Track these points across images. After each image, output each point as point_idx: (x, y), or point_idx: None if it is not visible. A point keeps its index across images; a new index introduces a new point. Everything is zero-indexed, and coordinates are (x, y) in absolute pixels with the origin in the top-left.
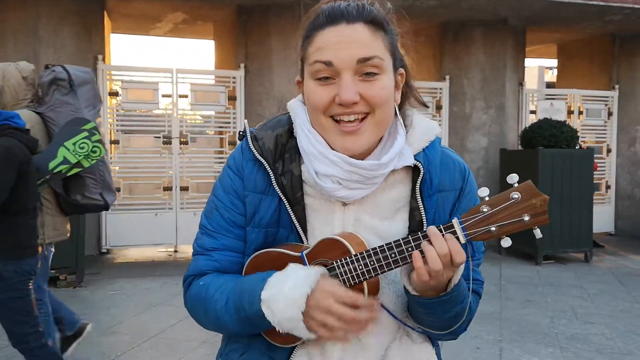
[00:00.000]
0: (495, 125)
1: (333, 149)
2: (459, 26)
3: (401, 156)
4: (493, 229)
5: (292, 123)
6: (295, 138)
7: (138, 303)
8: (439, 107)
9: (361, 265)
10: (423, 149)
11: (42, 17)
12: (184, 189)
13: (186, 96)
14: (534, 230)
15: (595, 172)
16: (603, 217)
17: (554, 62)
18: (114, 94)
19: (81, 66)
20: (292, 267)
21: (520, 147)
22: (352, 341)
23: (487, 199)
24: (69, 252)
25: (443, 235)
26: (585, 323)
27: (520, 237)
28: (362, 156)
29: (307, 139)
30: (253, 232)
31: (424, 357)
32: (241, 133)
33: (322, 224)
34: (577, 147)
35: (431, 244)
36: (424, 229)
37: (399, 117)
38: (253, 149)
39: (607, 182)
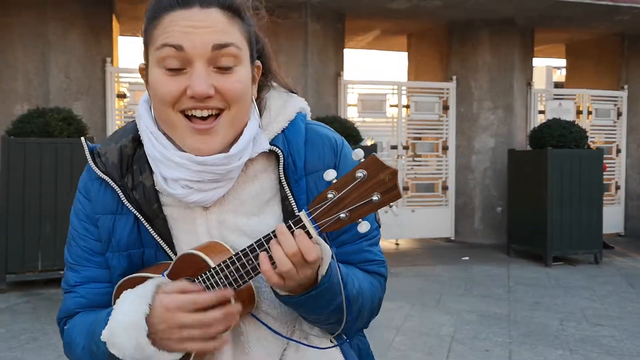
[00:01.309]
0: (503, 125)
1: (182, 150)
2: (466, 27)
3: (255, 143)
4: (343, 215)
5: (139, 131)
6: (144, 147)
7: None
8: (445, 108)
9: (222, 277)
10: (282, 131)
11: (50, 20)
12: None
13: None
14: (391, 209)
15: (604, 173)
16: (613, 218)
17: (562, 62)
18: (121, 96)
19: (89, 68)
20: (125, 293)
21: (528, 148)
22: (241, 352)
23: (334, 181)
24: None
25: (292, 231)
26: (595, 325)
27: (529, 238)
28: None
29: (150, 142)
30: (114, 258)
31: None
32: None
33: (186, 234)
34: (585, 148)
35: (279, 244)
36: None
37: (254, 104)
38: (94, 167)
39: (616, 182)
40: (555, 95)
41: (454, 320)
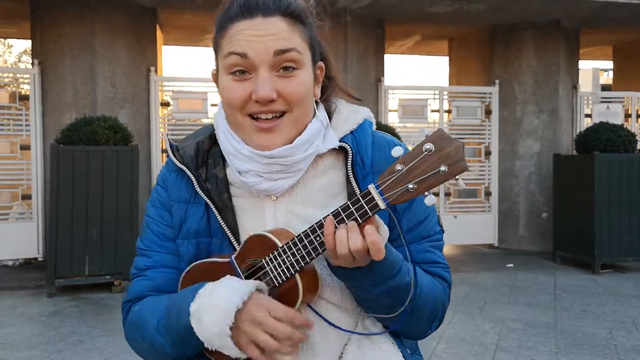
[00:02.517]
0: (548, 129)
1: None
2: (509, 29)
3: (325, 140)
4: (411, 186)
5: (215, 130)
6: (219, 144)
7: None
8: (488, 112)
9: (288, 255)
10: (351, 132)
11: (97, 31)
12: None
13: None
14: (457, 181)
15: None
16: None
17: (609, 64)
18: (165, 104)
19: (134, 77)
20: (227, 278)
21: (574, 152)
22: (302, 346)
23: (401, 156)
24: (123, 259)
25: (360, 204)
26: None
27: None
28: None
29: (225, 137)
30: (183, 244)
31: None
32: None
33: (253, 222)
34: (636, 151)
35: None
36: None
37: (320, 104)
38: (173, 158)
39: None
40: (602, 98)
41: (498, 329)
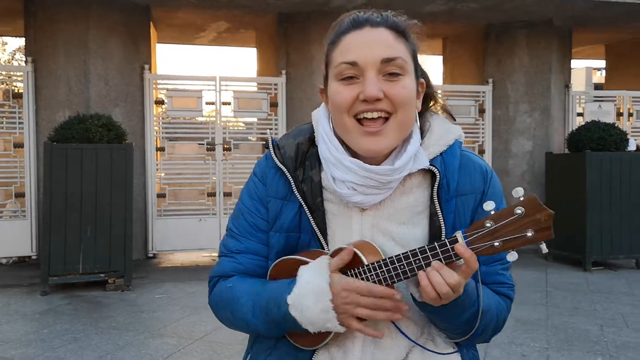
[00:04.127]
0: (540, 128)
1: (355, 153)
2: (502, 28)
3: (416, 160)
4: (497, 244)
5: (314, 132)
6: (317, 146)
7: (183, 306)
8: (481, 111)
9: (372, 275)
10: (441, 154)
11: (92, 28)
12: (228, 194)
13: (229, 103)
14: (540, 245)
15: None
16: None
17: (602, 63)
18: (159, 102)
19: (128, 75)
20: (303, 268)
21: (566, 151)
22: (372, 341)
23: (492, 213)
24: (117, 257)
25: (446, 248)
26: (636, 331)
27: (567, 243)
28: (377, 161)
29: (326, 145)
30: (275, 236)
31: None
32: (266, 142)
33: (341, 229)
34: (634, 149)
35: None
36: (442, 236)
37: (417, 123)
38: (274, 157)
39: None
40: (594, 97)
41: None
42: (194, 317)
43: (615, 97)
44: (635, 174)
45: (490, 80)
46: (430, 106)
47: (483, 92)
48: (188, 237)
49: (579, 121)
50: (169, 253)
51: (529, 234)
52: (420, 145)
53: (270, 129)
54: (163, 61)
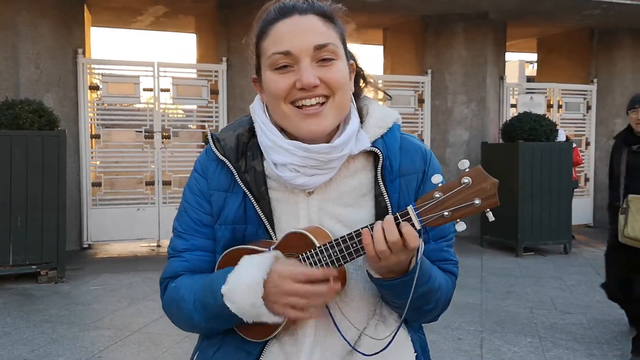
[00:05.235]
0: (476, 119)
1: (296, 136)
2: (440, 20)
3: (358, 142)
4: (446, 213)
5: (253, 122)
6: (257, 137)
7: (121, 298)
8: (421, 101)
9: (325, 256)
10: (381, 136)
11: (21, 10)
12: (167, 183)
13: (168, 90)
14: (486, 214)
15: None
16: (582, 210)
17: (534, 57)
18: (94, 87)
19: (60, 59)
20: (246, 258)
21: (501, 141)
22: (323, 328)
23: (440, 185)
24: (50, 248)
25: (398, 223)
26: (563, 313)
27: (501, 230)
28: (319, 142)
29: (263, 132)
30: (220, 230)
31: (399, 342)
32: (206, 137)
33: (287, 216)
34: (564, 140)
35: (383, 230)
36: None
37: (354, 104)
38: (215, 149)
39: (585, 175)
40: (527, 89)
41: None
42: (132, 308)
43: (546, 89)
44: (565, 164)
45: (429, 71)
46: (363, 87)
47: (422, 83)
48: (125, 227)
49: (513, 112)
50: (106, 243)
51: (477, 202)
52: (361, 128)
53: (211, 116)
54: (98, 45)
